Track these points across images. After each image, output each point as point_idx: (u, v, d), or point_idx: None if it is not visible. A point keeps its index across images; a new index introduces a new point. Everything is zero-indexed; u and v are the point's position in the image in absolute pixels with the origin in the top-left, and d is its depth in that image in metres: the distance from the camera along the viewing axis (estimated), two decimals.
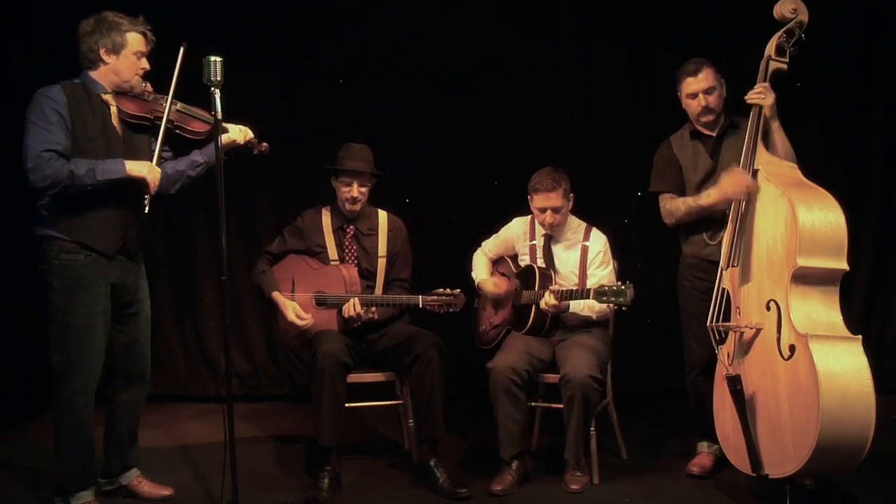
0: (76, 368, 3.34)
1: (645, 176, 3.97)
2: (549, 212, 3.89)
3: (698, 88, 3.74)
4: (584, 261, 3.95)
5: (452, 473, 3.77)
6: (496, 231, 4.20)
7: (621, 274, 4.01)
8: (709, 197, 3.65)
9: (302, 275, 4.02)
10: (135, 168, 3.30)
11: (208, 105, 3.17)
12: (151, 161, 3.36)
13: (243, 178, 5.15)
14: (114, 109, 3.41)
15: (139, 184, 3.32)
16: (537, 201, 3.91)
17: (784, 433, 3.21)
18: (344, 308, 3.86)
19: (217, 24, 5.02)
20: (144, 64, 3.43)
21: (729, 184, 3.52)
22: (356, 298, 3.86)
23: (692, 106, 3.78)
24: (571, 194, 3.95)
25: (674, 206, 3.80)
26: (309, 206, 4.16)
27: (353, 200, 3.99)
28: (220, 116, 3.15)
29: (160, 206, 3.83)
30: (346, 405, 3.82)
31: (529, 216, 4.07)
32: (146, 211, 3.35)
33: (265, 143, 3.60)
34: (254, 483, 3.73)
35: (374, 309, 3.90)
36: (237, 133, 3.50)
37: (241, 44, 5.06)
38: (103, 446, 3.60)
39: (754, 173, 3.45)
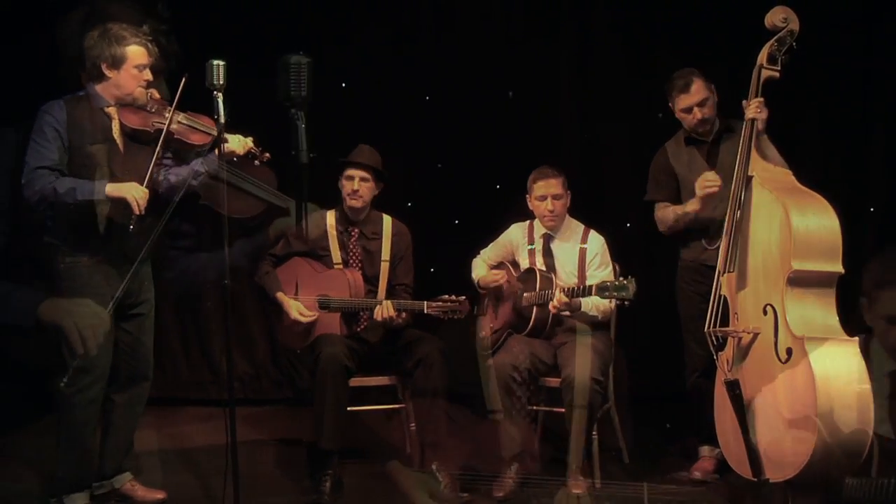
0: (83, 368, 3.35)
1: (645, 180, 4.00)
2: (549, 199, 3.91)
3: (691, 103, 3.77)
4: (583, 262, 3.96)
5: (454, 478, 3.77)
6: (498, 235, 4.21)
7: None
8: (691, 203, 3.72)
9: (305, 278, 4.03)
10: (115, 189, 3.30)
11: (211, 110, 3.16)
12: (144, 179, 3.34)
13: None
14: (115, 122, 3.42)
15: (123, 204, 3.30)
16: (539, 189, 3.93)
17: (783, 437, 3.21)
18: (376, 311, 3.86)
19: (220, 29, 5.04)
20: (147, 75, 3.43)
21: (698, 185, 3.61)
22: (389, 301, 3.87)
23: (687, 120, 3.83)
24: (569, 192, 3.98)
25: (664, 214, 3.87)
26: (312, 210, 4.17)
27: (354, 193, 3.97)
28: (223, 120, 3.14)
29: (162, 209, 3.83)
30: (349, 409, 3.82)
31: (528, 221, 4.09)
32: (131, 229, 3.34)
33: (267, 153, 3.58)
34: (255, 486, 3.74)
35: (404, 314, 3.91)
36: (237, 143, 3.48)
37: (244, 48, 5.06)
38: (99, 447, 3.57)
39: (749, 180, 3.47)
